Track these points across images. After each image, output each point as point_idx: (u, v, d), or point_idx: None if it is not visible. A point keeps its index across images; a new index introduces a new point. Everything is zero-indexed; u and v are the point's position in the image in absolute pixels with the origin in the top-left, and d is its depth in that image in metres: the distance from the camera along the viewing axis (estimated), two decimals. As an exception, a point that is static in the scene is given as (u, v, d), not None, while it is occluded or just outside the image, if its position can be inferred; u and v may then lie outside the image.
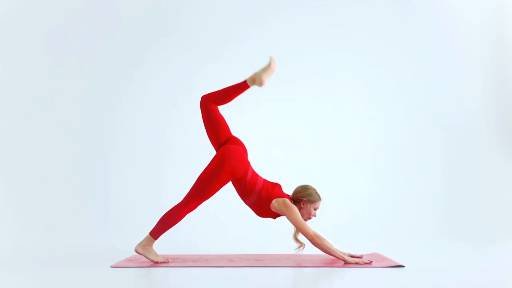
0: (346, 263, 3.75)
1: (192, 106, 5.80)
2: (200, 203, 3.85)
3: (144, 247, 3.82)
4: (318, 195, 3.92)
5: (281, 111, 5.82)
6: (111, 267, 3.65)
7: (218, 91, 3.96)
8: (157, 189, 5.60)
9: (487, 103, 5.91)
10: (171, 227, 3.84)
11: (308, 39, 5.87)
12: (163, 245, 4.18)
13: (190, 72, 5.82)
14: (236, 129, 5.74)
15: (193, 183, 3.87)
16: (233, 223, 5.37)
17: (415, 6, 5.96)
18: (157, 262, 3.78)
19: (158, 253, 3.90)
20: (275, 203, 3.83)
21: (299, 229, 3.79)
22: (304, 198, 3.88)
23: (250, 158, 5.80)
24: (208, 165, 3.87)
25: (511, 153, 5.87)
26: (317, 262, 3.85)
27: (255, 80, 3.92)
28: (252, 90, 5.73)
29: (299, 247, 3.95)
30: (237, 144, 3.96)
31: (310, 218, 3.93)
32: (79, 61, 5.73)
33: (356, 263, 3.70)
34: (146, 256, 3.81)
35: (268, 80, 3.93)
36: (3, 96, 5.64)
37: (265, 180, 3.93)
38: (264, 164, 5.59)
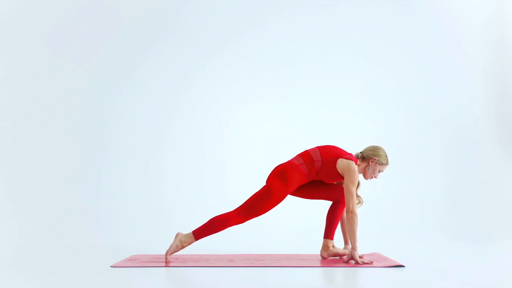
0: (348, 262, 3.76)
1: (192, 106, 5.82)
2: (250, 219, 3.85)
3: (182, 242, 3.78)
4: (387, 159, 3.97)
5: (281, 111, 5.82)
6: (111, 267, 3.65)
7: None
8: (157, 189, 5.60)
9: (488, 104, 5.91)
10: (215, 233, 3.83)
11: (308, 39, 5.87)
12: (164, 245, 4.18)
13: (190, 72, 5.82)
14: (237, 130, 5.78)
15: (246, 198, 3.88)
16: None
17: (417, 9, 5.96)
18: (166, 259, 3.77)
19: (158, 252, 3.90)
20: (340, 163, 3.85)
21: (346, 195, 3.79)
22: (375, 157, 3.93)
23: (250, 159, 5.82)
24: (263, 188, 3.86)
25: None
26: (317, 262, 3.85)
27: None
28: (253, 89, 5.79)
29: (358, 203, 3.95)
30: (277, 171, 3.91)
31: (371, 178, 3.99)
32: (78, 62, 5.73)
33: (357, 263, 3.71)
34: (172, 245, 3.77)
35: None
36: (3, 96, 5.64)
37: (318, 147, 3.95)
38: (264, 164, 5.59)
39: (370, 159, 3.95)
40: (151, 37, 5.83)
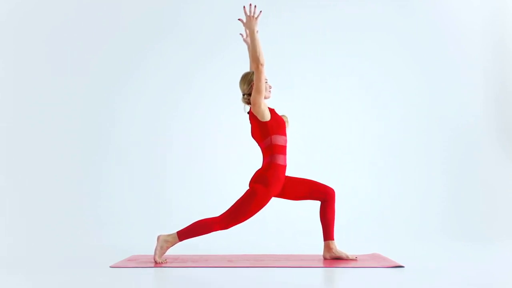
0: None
1: (192, 106, 5.82)
2: (234, 224, 3.86)
3: (166, 242, 3.80)
4: (248, 73, 4.14)
5: (281, 111, 5.81)
6: (111, 267, 3.66)
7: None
8: (157, 189, 5.60)
9: (488, 104, 5.91)
10: (198, 235, 3.85)
11: (308, 39, 5.87)
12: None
13: (190, 72, 5.82)
14: (237, 130, 5.77)
15: (231, 205, 3.89)
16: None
17: (417, 9, 5.96)
18: (156, 262, 3.77)
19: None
20: (253, 109, 4.05)
21: (255, 92, 3.96)
22: (251, 83, 4.07)
23: (250, 159, 5.81)
24: (246, 192, 3.89)
25: None
26: (317, 262, 3.85)
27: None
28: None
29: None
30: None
31: (270, 91, 4.15)
32: (78, 62, 5.73)
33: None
34: (156, 249, 3.79)
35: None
36: (3, 96, 5.64)
37: (253, 138, 4.16)
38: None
39: (251, 86, 4.07)
40: (151, 37, 5.83)
